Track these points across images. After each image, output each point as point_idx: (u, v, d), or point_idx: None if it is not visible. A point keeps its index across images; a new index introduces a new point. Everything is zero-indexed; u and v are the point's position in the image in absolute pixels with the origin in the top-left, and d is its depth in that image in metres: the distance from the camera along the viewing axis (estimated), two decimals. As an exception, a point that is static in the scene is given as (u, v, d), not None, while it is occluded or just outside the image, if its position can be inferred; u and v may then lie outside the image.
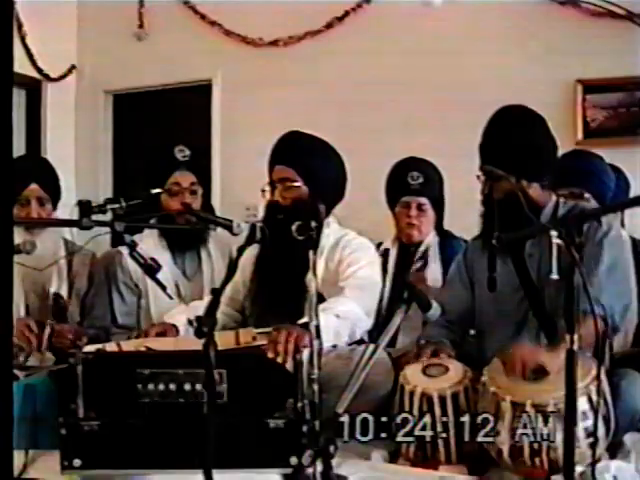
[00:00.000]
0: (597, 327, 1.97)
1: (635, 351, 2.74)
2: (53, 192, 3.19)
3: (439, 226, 3.44)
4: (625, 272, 2.53)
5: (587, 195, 3.09)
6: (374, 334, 2.87)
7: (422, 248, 3.34)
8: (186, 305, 3.06)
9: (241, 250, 2.24)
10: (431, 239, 3.37)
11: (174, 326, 2.87)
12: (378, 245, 3.36)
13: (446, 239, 3.38)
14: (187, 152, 3.21)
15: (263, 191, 2.98)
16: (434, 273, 3.28)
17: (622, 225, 2.88)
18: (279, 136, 3.02)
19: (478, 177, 2.65)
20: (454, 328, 2.72)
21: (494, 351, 2.47)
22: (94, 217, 2.52)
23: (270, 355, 2.26)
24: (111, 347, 2.54)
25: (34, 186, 3.10)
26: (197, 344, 1.92)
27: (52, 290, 3.09)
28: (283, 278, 2.81)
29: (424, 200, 3.32)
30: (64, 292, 3.12)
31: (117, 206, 2.61)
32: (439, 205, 3.40)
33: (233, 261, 2.21)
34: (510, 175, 2.57)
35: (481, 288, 2.67)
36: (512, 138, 2.60)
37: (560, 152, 2.78)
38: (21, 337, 2.82)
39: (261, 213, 3.00)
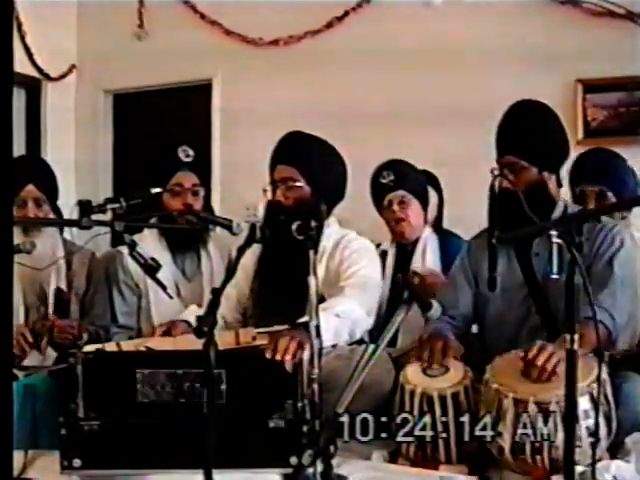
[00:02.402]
0: (599, 333, 1.97)
1: (636, 351, 2.74)
2: (50, 193, 3.18)
3: (437, 223, 3.44)
4: (634, 290, 2.54)
5: (610, 194, 3.09)
6: (374, 334, 2.87)
7: (420, 246, 3.34)
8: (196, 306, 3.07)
9: (241, 250, 2.24)
10: (427, 235, 3.38)
11: (186, 322, 2.87)
12: (377, 246, 3.37)
13: (443, 235, 3.39)
14: (190, 153, 3.21)
15: (265, 191, 2.98)
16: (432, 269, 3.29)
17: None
18: (281, 136, 3.02)
19: (492, 171, 2.64)
20: (457, 324, 2.72)
21: (496, 348, 2.46)
22: (94, 217, 2.52)
23: (268, 355, 2.26)
24: (111, 347, 2.54)
25: (30, 187, 3.09)
26: (197, 344, 1.92)
27: (51, 290, 3.09)
28: (284, 278, 2.81)
29: (402, 193, 3.35)
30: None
31: (117, 206, 2.61)
32: (423, 198, 3.40)
33: (233, 261, 2.20)
34: (533, 165, 2.59)
35: (484, 285, 2.67)
36: (533, 129, 2.61)
37: (576, 152, 2.78)
38: (16, 346, 2.82)
39: (261, 213, 3.00)
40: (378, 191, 3.39)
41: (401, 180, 3.33)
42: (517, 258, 2.65)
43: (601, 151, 3.40)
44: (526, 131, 2.62)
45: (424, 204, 3.40)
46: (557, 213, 2.63)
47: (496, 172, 2.62)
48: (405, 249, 3.39)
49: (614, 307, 2.41)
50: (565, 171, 2.73)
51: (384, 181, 3.33)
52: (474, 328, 2.80)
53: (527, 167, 2.60)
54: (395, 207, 3.34)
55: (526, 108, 2.69)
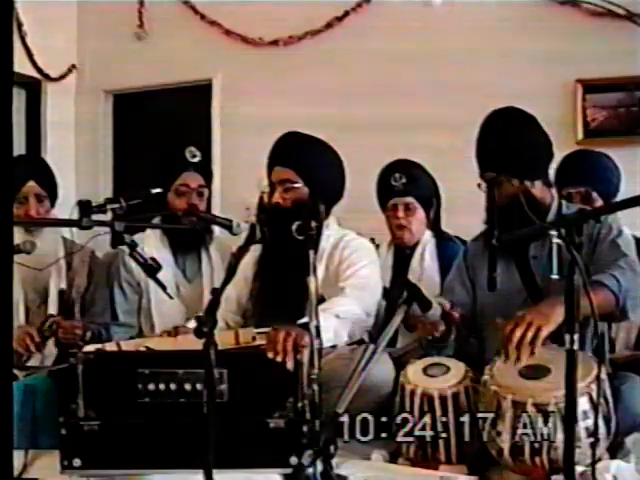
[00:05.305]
0: (591, 300, 1.93)
1: (637, 355, 2.75)
2: (50, 189, 3.19)
3: (435, 226, 3.43)
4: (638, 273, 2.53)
5: (594, 194, 3.10)
6: (374, 334, 2.87)
7: (418, 250, 3.33)
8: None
9: (241, 251, 2.24)
10: (427, 239, 3.36)
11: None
12: (376, 247, 3.37)
13: (442, 239, 3.38)
14: (197, 154, 3.22)
15: (263, 193, 2.97)
16: (431, 274, 3.28)
17: None
18: (277, 137, 3.01)
19: (479, 185, 2.64)
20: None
21: (495, 352, 2.45)
22: (94, 217, 2.52)
23: (270, 355, 2.25)
24: (111, 347, 2.54)
25: (32, 183, 3.10)
26: (197, 344, 1.92)
27: (52, 288, 3.09)
28: (284, 278, 2.81)
29: (410, 199, 3.31)
30: (63, 289, 3.13)
31: (117, 206, 2.61)
32: (429, 204, 3.39)
33: (233, 262, 2.20)
34: (513, 178, 2.57)
35: (483, 290, 2.66)
36: (509, 139, 2.59)
37: (564, 152, 2.77)
38: (21, 344, 2.82)
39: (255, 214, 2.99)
40: (385, 191, 3.36)
41: (411, 185, 3.29)
42: (515, 262, 2.64)
43: (583, 152, 3.43)
44: (501, 144, 2.59)
45: (428, 210, 3.39)
46: (551, 215, 2.62)
47: (483, 189, 2.62)
48: (403, 252, 3.38)
49: (622, 275, 2.37)
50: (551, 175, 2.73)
51: (395, 184, 3.29)
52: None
53: (507, 180, 2.57)
54: (400, 213, 3.31)
55: (501, 118, 2.66)
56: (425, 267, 3.29)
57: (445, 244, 3.34)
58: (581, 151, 3.50)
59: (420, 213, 3.34)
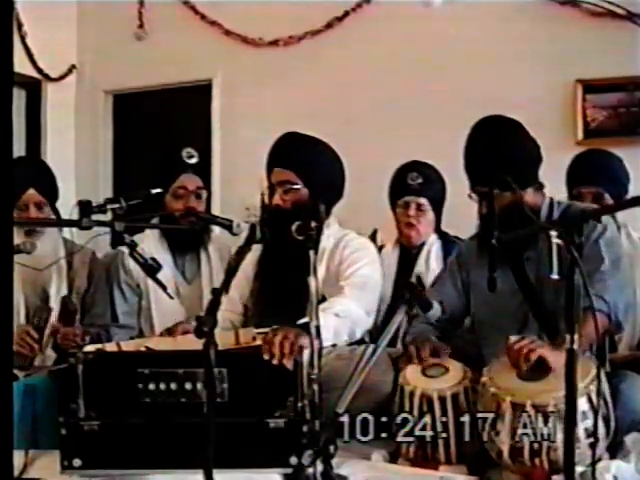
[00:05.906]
0: (597, 324, 1.96)
1: (637, 355, 2.75)
2: (51, 195, 3.17)
3: (438, 228, 3.44)
4: (625, 271, 2.53)
5: (606, 195, 3.09)
6: (374, 334, 2.87)
7: (424, 251, 3.34)
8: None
9: (241, 251, 2.24)
10: (433, 241, 3.37)
11: None
12: (380, 248, 3.37)
13: (448, 241, 3.38)
14: (195, 154, 3.21)
15: (262, 195, 2.97)
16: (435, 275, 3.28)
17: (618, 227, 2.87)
18: (276, 138, 3.01)
19: (470, 196, 2.63)
20: (440, 325, 2.70)
21: (495, 354, 2.45)
22: (94, 217, 2.52)
23: (265, 357, 2.25)
24: (111, 347, 2.54)
25: (32, 191, 3.08)
26: (197, 344, 1.92)
27: (52, 290, 3.08)
28: (284, 278, 2.81)
29: (423, 200, 3.33)
30: (64, 291, 3.10)
31: (117, 206, 2.61)
32: (439, 207, 3.40)
33: (233, 262, 2.20)
34: (505, 191, 2.55)
35: (478, 292, 2.66)
36: (499, 151, 2.56)
37: (563, 153, 2.74)
38: (21, 343, 2.82)
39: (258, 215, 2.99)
40: (399, 189, 3.37)
41: (427, 186, 3.31)
42: (510, 265, 2.63)
43: (597, 152, 3.41)
44: (490, 158, 2.56)
45: (437, 213, 3.40)
46: (543, 216, 2.60)
47: (474, 199, 2.61)
48: (409, 252, 3.38)
49: (606, 290, 2.39)
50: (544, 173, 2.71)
51: (411, 182, 3.30)
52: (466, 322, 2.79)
53: (499, 193, 2.54)
54: (411, 212, 3.32)
55: (487, 130, 2.63)
56: (430, 268, 3.29)
57: (451, 246, 3.34)
58: (594, 150, 3.46)
59: (430, 214, 3.36)
